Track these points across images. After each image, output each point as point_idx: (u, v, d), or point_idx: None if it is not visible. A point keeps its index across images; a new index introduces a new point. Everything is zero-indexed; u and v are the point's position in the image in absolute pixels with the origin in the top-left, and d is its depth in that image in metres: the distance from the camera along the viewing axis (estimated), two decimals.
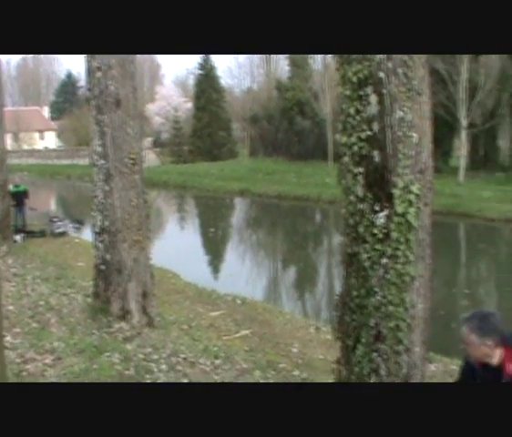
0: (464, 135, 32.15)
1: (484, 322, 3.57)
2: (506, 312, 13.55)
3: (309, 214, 28.37)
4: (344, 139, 4.41)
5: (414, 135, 4.30)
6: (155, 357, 7.25)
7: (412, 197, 4.29)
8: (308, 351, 8.71)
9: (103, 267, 8.39)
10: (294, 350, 8.75)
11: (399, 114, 4.24)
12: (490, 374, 3.63)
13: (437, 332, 11.94)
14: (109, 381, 6.23)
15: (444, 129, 32.74)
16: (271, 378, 7.46)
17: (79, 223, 23.16)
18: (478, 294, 15.72)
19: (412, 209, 4.28)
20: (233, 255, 20.17)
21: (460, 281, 16.74)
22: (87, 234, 16.66)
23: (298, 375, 7.69)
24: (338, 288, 4.90)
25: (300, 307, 14.03)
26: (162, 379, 6.58)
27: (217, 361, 7.71)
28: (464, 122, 31.22)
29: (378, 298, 4.38)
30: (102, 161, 8.14)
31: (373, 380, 4.57)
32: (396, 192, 4.25)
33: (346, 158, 4.44)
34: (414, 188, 4.29)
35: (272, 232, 24.97)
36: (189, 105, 59.49)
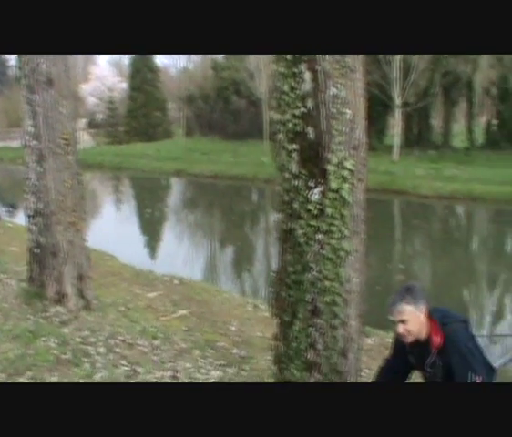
0: (398, 114, 32.76)
1: (414, 293, 3.67)
2: (440, 286, 13.98)
3: (245, 193, 28.41)
4: (279, 116, 4.41)
5: (348, 111, 4.32)
6: (92, 340, 7.15)
7: (346, 173, 4.32)
8: (246, 329, 8.74)
9: (37, 250, 8.19)
10: (233, 328, 8.77)
11: (333, 91, 4.25)
12: (419, 349, 3.74)
13: (374, 307, 12.18)
14: (46, 365, 6.13)
15: (378, 108, 33.33)
16: (210, 356, 7.46)
17: (12, 207, 22.61)
18: (413, 269, 16.11)
19: (346, 185, 4.32)
20: (171, 236, 20.06)
21: (395, 257, 17.11)
22: (20, 218, 16.28)
23: (237, 353, 7.72)
24: (275, 265, 4.91)
25: (238, 286, 14.09)
26: (100, 361, 6.51)
27: (155, 342, 7.67)
28: (398, 101, 31.80)
29: (314, 273, 4.42)
30: (34, 142, 7.92)
31: (310, 354, 4.62)
32: (330, 168, 4.28)
33: (281, 135, 4.43)
34: (348, 164, 4.33)
35: (209, 212, 24.93)
36: (124, 85, 58.57)
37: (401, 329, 3.67)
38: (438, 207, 24.18)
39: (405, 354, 3.87)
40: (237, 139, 40.30)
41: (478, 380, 3.47)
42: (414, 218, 22.61)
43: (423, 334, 3.69)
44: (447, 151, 34.05)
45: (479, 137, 36.48)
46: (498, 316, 12.40)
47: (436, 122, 40.10)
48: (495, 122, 36.54)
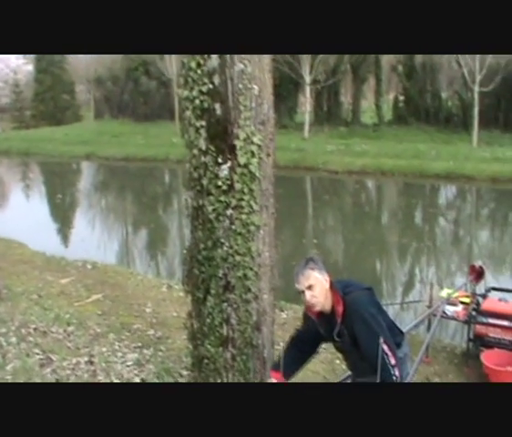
0: (308, 92, 33.09)
1: (317, 262, 3.75)
2: (353, 259, 14.32)
3: (157, 175, 28.13)
4: (186, 93, 4.39)
5: (255, 87, 4.35)
6: (3, 330, 6.94)
7: (254, 148, 4.36)
8: (161, 310, 8.71)
9: None
10: (148, 309, 8.72)
11: (239, 66, 4.27)
12: (326, 321, 3.82)
13: (290, 282, 12.36)
14: None
15: (288, 86, 33.67)
16: (126, 339, 7.40)
17: None
18: (326, 243, 16.41)
19: (254, 160, 4.36)
20: (83, 221, 19.65)
21: (309, 232, 17.36)
22: None
23: (153, 334, 7.69)
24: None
25: (152, 267, 13.98)
26: (12, 351, 6.34)
27: (69, 328, 7.54)
28: (307, 79, 32.10)
29: (225, 248, 4.44)
30: None
31: (224, 330, 4.65)
32: (238, 144, 4.30)
33: (188, 112, 4.42)
34: (256, 140, 4.36)
35: (122, 195, 24.55)
36: (30, 67, 56.61)
37: (308, 296, 3.70)
38: (349, 182, 24.68)
39: (315, 326, 3.93)
40: (148, 121, 39.81)
41: (381, 342, 3.54)
42: (325, 194, 23.00)
43: (328, 305, 3.76)
44: (357, 127, 34.75)
45: (387, 113, 37.37)
46: (409, 284, 12.82)
47: (346, 99, 40.89)
48: (401, 98, 37.50)
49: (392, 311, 9.91)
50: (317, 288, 3.69)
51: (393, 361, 3.57)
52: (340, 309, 3.70)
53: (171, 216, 20.50)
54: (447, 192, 24.17)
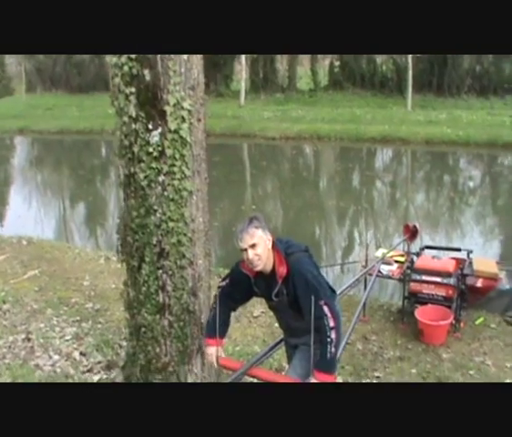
0: (243, 59, 32.95)
1: (260, 220, 3.71)
2: (292, 224, 14.44)
3: (94, 147, 27.60)
4: (115, 60, 4.31)
5: None
6: None
7: (184, 113, 4.32)
8: (99, 282, 8.65)
9: None
10: (86, 283, 8.64)
11: None
12: (265, 280, 3.82)
13: (229, 249, 12.45)
14: None
15: (224, 55, 33.36)
16: (64, 314, 7.35)
17: None
18: (265, 209, 16.47)
19: (185, 125, 4.33)
20: (18, 197, 19.18)
21: (247, 199, 17.38)
22: None
23: (91, 307, 7.65)
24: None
25: (91, 240, 13.81)
26: None
27: (5, 306, 7.45)
28: None
29: (158, 215, 4.41)
30: None
31: (160, 297, 4.64)
32: (168, 109, 4.26)
33: (117, 79, 4.34)
34: (186, 105, 4.32)
35: (58, 169, 24.03)
36: None
37: (251, 254, 3.65)
38: (286, 147, 24.75)
39: (246, 284, 3.93)
40: (82, 93, 38.96)
41: (323, 304, 3.60)
42: (263, 160, 23.02)
43: (269, 264, 3.74)
44: (293, 94, 34.83)
45: (323, 78, 37.51)
46: (348, 247, 13.02)
47: (282, 66, 40.83)
48: (337, 64, 37.68)
49: (332, 274, 10.10)
50: (260, 247, 3.65)
51: (331, 324, 3.61)
52: (283, 270, 3.71)
53: (109, 188, 20.16)
54: (383, 155, 24.51)
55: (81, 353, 6.04)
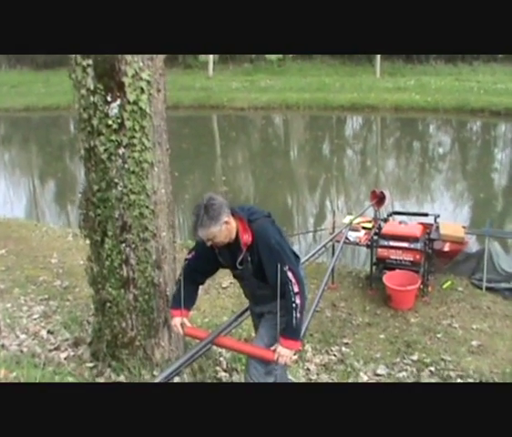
0: None
1: (212, 210, 3.54)
2: (262, 194, 14.43)
3: (61, 123, 27.14)
4: None
5: None
6: None
7: (143, 84, 4.25)
8: (67, 260, 8.56)
9: None
10: (53, 260, 8.55)
11: None
12: (229, 250, 3.77)
13: None
14: None
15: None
16: (32, 293, 7.27)
17: None
18: (235, 180, 16.45)
19: (144, 96, 4.26)
20: None
21: (218, 170, 17.30)
22: None
23: (59, 285, 7.58)
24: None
25: (61, 217, 13.67)
26: None
27: None
28: None
29: (119, 188, 4.35)
30: None
31: (124, 271, 4.60)
32: (127, 81, 4.18)
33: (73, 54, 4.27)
34: (145, 75, 4.25)
35: (26, 147, 23.65)
36: None
37: (211, 245, 3.66)
38: (255, 118, 24.63)
39: (211, 255, 3.88)
40: (48, 69, 38.22)
41: (287, 270, 3.60)
42: (232, 131, 22.93)
43: (232, 234, 3.70)
44: (261, 63, 34.54)
45: None
46: (319, 215, 13.07)
47: None
48: None
49: (304, 242, 10.12)
50: (219, 236, 3.60)
51: (296, 289, 3.62)
52: (248, 237, 3.67)
53: (78, 164, 19.91)
54: (353, 123, 24.56)
55: (49, 331, 5.97)
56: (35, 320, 6.41)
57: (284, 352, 3.68)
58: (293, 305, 3.62)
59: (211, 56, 31.49)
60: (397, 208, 9.61)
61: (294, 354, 4.07)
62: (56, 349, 5.50)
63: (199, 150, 18.83)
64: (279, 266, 3.56)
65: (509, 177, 15.82)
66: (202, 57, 33.45)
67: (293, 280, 3.62)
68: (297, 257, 4.03)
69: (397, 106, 23.19)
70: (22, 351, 5.43)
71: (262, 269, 3.71)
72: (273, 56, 35.24)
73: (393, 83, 26.78)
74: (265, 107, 24.87)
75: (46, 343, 5.65)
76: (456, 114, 22.18)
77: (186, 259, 4.01)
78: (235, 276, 4.06)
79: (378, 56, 29.02)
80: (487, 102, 21.93)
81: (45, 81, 33.46)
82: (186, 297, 3.94)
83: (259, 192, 15.01)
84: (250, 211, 3.78)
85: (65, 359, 5.25)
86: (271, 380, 3.97)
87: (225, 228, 3.60)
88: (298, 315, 3.64)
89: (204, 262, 3.95)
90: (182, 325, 3.97)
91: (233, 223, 3.66)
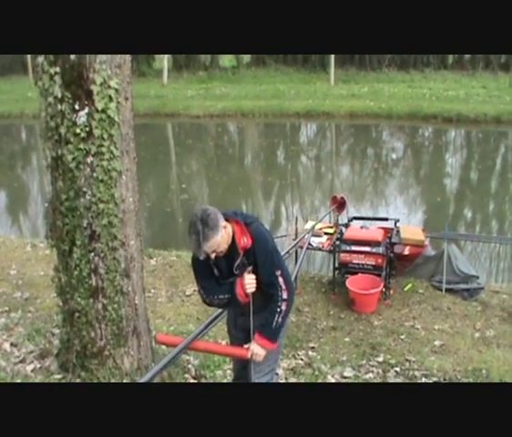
0: None
1: (210, 221, 3.43)
2: (219, 201, 14.43)
3: (13, 132, 26.70)
4: None
5: None
6: None
7: (111, 92, 4.24)
8: (27, 270, 8.42)
9: None
10: (12, 272, 8.40)
11: None
12: (226, 257, 3.66)
13: (157, 230, 12.39)
14: None
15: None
16: None
17: None
18: (194, 186, 16.44)
19: (112, 104, 4.25)
20: None
21: (179, 178, 17.25)
22: None
23: (20, 296, 7.45)
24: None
25: (16, 228, 13.42)
26: None
27: None
28: None
29: (88, 197, 4.33)
30: None
31: (93, 280, 4.57)
32: (95, 89, 4.17)
33: (41, 59, 4.23)
34: (113, 83, 4.25)
35: None
36: None
37: (213, 256, 3.55)
38: (211, 125, 24.63)
39: (208, 267, 3.74)
40: None
41: (279, 275, 3.62)
42: (188, 139, 22.89)
43: (229, 241, 3.62)
44: (216, 71, 34.64)
45: (245, 55, 37.47)
46: (276, 221, 13.14)
47: None
48: None
49: None
50: (221, 243, 3.53)
51: (284, 295, 3.64)
52: (246, 241, 3.62)
53: (31, 174, 19.61)
54: (308, 130, 24.76)
55: (12, 344, 5.86)
56: None
57: (258, 350, 3.70)
58: (278, 309, 3.64)
59: (166, 64, 31.42)
60: (353, 214, 9.72)
61: None
62: (22, 361, 5.41)
63: (157, 158, 18.74)
64: (272, 269, 3.61)
65: (460, 180, 16.19)
66: (156, 65, 33.35)
67: (283, 286, 3.64)
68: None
69: (352, 113, 23.51)
70: None
71: (256, 273, 3.66)
72: (227, 64, 35.36)
73: (347, 90, 27.17)
74: (221, 115, 24.93)
75: (10, 356, 5.55)
76: (409, 120, 22.60)
77: (200, 290, 3.87)
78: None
79: (332, 64, 29.40)
80: (440, 108, 22.45)
81: None
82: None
83: (216, 199, 15.00)
84: (244, 215, 3.73)
85: (31, 371, 5.18)
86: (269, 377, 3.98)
87: (225, 233, 3.53)
88: (280, 320, 3.66)
89: (208, 277, 3.79)
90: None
91: (229, 227, 3.60)
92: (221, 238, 3.49)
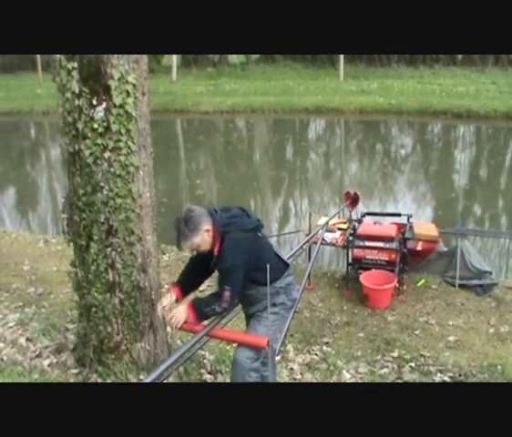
0: None
1: (193, 221, 3.84)
2: (229, 197, 14.42)
3: (23, 128, 26.72)
4: None
5: None
6: None
7: (129, 87, 4.25)
8: (40, 266, 8.46)
9: None
10: (26, 267, 8.44)
11: None
12: (209, 252, 3.98)
13: (171, 225, 12.31)
14: None
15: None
16: (6, 300, 7.16)
17: None
18: (209, 182, 16.44)
19: (130, 100, 4.25)
20: None
21: (190, 173, 17.26)
22: None
23: (34, 291, 7.49)
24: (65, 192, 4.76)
25: (25, 224, 13.45)
26: None
27: None
28: None
29: (105, 192, 4.34)
30: None
31: (110, 275, 4.59)
32: (113, 84, 4.18)
33: (58, 54, 4.24)
34: (131, 78, 4.25)
35: None
36: None
37: (195, 253, 4.03)
38: (220, 121, 24.59)
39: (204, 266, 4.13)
40: (7, 73, 37.68)
41: (225, 289, 3.84)
42: (198, 135, 22.85)
43: (211, 244, 3.95)
44: (225, 67, 34.54)
45: None
46: (287, 217, 13.13)
47: None
48: None
49: (275, 244, 10.15)
50: (202, 244, 3.88)
51: (223, 305, 3.87)
52: (217, 248, 3.91)
53: (41, 170, 19.67)
54: (317, 126, 24.68)
55: (27, 339, 5.89)
56: (11, 327, 6.31)
57: (179, 313, 3.95)
58: (216, 305, 3.89)
59: (175, 60, 31.38)
60: (362, 210, 9.70)
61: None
62: (38, 356, 5.43)
63: (169, 154, 18.76)
64: (223, 283, 3.90)
65: (471, 177, 16.11)
66: (165, 61, 33.31)
67: (224, 299, 3.85)
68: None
69: (361, 109, 23.41)
70: (2, 360, 5.36)
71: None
72: (236, 60, 35.28)
73: (356, 86, 27.04)
74: (230, 111, 24.89)
75: (27, 351, 5.58)
76: (419, 116, 22.48)
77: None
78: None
79: (341, 60, 29.24)
80: (449, 104, 22.31)
81: (4, 85, 32.81)
82: (184, 280, 4.23)
83: (225, 195, 14.98)
84: (230, 220, 3.96)
85: (48, 365, 5.20)
86: (257, 364, 4.10)
87: (207, 236, 3.86)
88: (211, 312, 3.92)
89: (201, 257, 4.10)
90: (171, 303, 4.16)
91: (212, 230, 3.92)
92: (201, 240, 3.85)
